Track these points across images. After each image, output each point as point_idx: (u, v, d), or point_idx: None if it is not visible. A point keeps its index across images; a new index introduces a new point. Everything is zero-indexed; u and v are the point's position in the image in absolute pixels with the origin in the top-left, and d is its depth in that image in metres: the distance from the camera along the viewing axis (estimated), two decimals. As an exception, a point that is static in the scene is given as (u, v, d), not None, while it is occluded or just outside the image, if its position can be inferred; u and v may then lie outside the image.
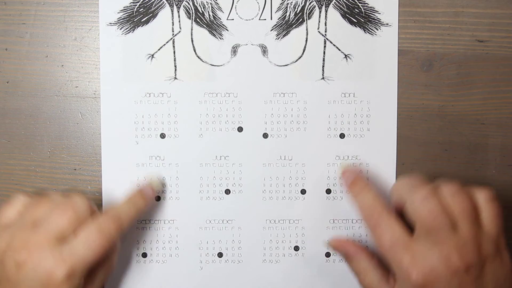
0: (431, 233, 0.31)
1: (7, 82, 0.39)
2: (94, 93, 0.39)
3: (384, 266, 0.34)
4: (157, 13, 0.39)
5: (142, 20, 0.39)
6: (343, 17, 0.39)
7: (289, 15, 0.39)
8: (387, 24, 0.39)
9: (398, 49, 0.39)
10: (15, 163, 0.39)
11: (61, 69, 0.39)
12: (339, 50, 0.39)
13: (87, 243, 0.32)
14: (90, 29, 0.39)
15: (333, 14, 0.39)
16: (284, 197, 0.40)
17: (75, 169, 0.39)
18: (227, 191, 0.40)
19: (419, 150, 0.40)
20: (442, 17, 0.39)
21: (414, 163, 0.40)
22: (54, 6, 0.39)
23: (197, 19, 0.39)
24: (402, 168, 0.40)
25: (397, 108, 0.39)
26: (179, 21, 0.39)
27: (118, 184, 0.39)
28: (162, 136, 0.39)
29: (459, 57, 0.39)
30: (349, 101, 0.39)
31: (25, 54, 0.39)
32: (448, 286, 0.30)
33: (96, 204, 0.35)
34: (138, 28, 0.39)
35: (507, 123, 0.40)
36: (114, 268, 0.36)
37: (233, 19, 0.39)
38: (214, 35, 0.39)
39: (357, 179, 0.37)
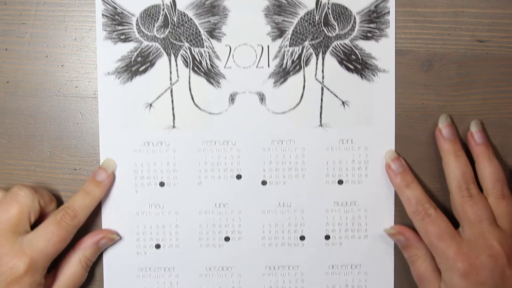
0: (474, 227, 0.35)
1: (7, 82, 0.39)
2: (94, 93, 0.39)
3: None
4: (155, 62, 0.39)
5: (140, 69, 0.39)
6: (340, 64, 0.39)
7: (286, 62, 0.39)
8: (384, 70, 0.39)
9: (398, 49, 0.39)
10: (15, 163, 0.39)
11: (61, 69, 0.39)
12: (337, 97, 0.39)
13: (45, 236, 0.33)
14: (90, 29, 0.39)
15: (330, 61, 0.39)
16: (283, 243, 0.40)
17: (75, 169, 0.40)
18: (227, 238, 0.40)
19: (419, 150, 0.40)
20: (442, 17, 0.39)
21: (414, 163, 0.40)
22: (54, 6, 0.39)
23: (195, 68, 0.39)
24: None
25: (397, 108, 0.39)
26: (177, 70, 0.39)
27: (118, 233, 0.39)
28: (162, 184, 0.39)
29: (459, 57, 0.39)
30: (347, 147, 0.40)
31: (25, 54, 0.39)
32: (491, 274, 0.33)
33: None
34: (136, 77, 0.39)
35: (507, 123, 0.40)
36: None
37: (230, 67, 0.39)
38: (212, 83, 0.39)
39: (406, 172, 0.38)
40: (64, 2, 0.39)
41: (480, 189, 0.37)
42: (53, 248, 0.34)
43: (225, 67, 0.39)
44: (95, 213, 0.39)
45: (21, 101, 0.39)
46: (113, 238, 0.38)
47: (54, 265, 0.37)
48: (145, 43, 0.39)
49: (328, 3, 0.39)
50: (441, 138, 0.38)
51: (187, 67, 0.39)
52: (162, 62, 0.39)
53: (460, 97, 0.40)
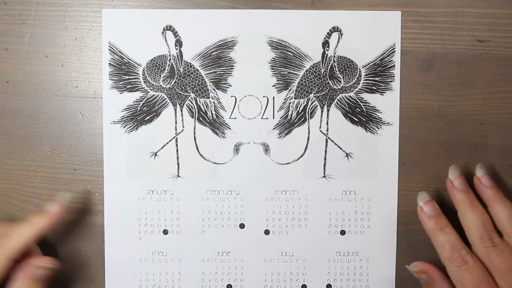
0: (506, 277, 0.34)
1: (7, 82, 0.39)
2: (94, 93, 0.39)
3: None
4: (160, 112, 0.39)
5: (145, 119, 0.39)
6: (345, 116, 0.39)
7: (291, 114, 0.39)
8: (388, 123, 0.39)
9: (400, 51, 0.39)
10: (15, 163, 0.40)
11: (61, 69, 0.39)
12: (341, 149, 0.39)
13: None
14: (90, 29, 0.39)
15: (335, 113, 0.39)
16: (285, 292, 0.40)
17: (75, 169, 0.40)
18: (229, 286, 0.40)
19: (419, 150, 0.40)
20: (442, 17, 0.39)
21: (414, 163, 0.40)
22: (54, 6, 0.39)
23: (200, 118, 0.39)
24: (402, 168, 0.40)
25: (398, 110, 0.39)
26: (182, 120, 0.39)
27: (121, 279, 0.40)
28: (165, 232, 0.40)
29: (459, 57, 0.39)
30: (350, 198, 0.40)
31: (25, 54, 0.39)
32: None
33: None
34: (142, 126, 0.39)
35: (507, 123, 0.40)
36: None
37: (235, 118, 0.39)
38: (216, 133, 0.39)
39: (440, 215, 0.37)
40: (64, 2, 0.39)
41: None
42: None
43: (230, 117, 0.39)
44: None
45: (21, 101, 0.39)
46: (48, 268, 0.36)
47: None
48: (151, 92, 0.39)
49: (334, 56, 0.39)
50: (454, 190, 0.37)
51: (193, 117, 0.39)
52: (168, 112, 0.39)
53: (460, 97, 0.40)
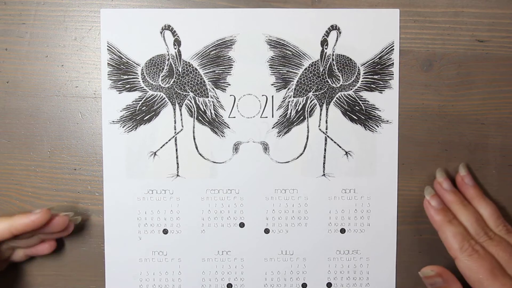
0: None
1: (7, 82, 0.39)
2: (94, 93, 0.39)
3: None
4: (160, 111, 0.39)
5: (144, 118, 0.39)
6: (344, 115, 0.39)
7: (290, 113, 0.39)
8: (387, 121, 0.39)
9: (399, 49, 0.39)
10: (15, 163, 0.40)
11: (61, 69, 0.39)
12: (340, 147, 0.39)
13: None
14: (90, 29, 0.39)
15: (334, 111, 0.39)
16: (285, 291, 0.40)
17: (75, 169, 0.40)
18: (229, 285, 0.40)
19: (419, 150, 0.40)
20: (442, 17, 0.39)
21: (414, 163, 0.40)
22: (54, 6, 0.39)
23: (199, 117, 0.39)
24: (402, 168, 0.40)
25: (398, 108, 0.40)
26: (181, 119, 0.39)
27: (121, 279, 0.40)
28: (165, 231, 0.40)
29: (459, 57, 0.39)
30: (349, 197, 0.40)
31: (25, 54, 0.39)
32: None
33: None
34: (141, 126, 0.39)
35: (507, 123, 0.40)
36: None
37: (234, 117, 0.39)
38: (216, 132, 0.39)
39: (446, 208, 0.38)
40: (64, 2, 0.39)
41: None
42: None
43: (229, 116, 0.39)
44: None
45: (21, 101, 0.39)
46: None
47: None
48: (150, 92, 0.39)
49: (333, 54, 0.39)
50: (444, 191, 0.38)
51: (192, 116, 0.39)
52: (167, 111, 0.39)
53: (460, 97, 0.40)
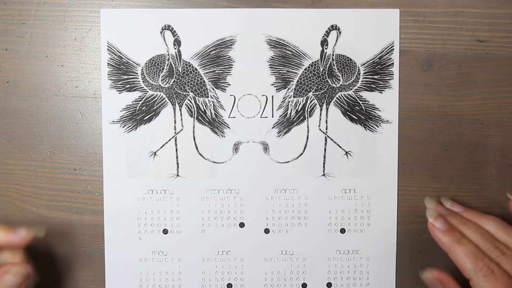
0: None
1: (7, 82, 0.39)
2: (94, 93, 0.39)
3: None
4: (160, 111, 0.39)
5: (144, 118, 0.39)
6: (344, 115, 0.39)
7: (290, 113, 0.39)
8: (387, 121, 0.39)
9: (399, 49, 0.39)
10: (15, 163, 0.40)
11: (61, 69, 0.39)
12: (340, 147, 0.39)
13: None
14: (90, 29, 0.39)
15: (334, 111, 0.39)
16: (285, 291, 0.40)
17: (75, 169, 0.40)
18: (229, 285, 0.40)
19: (419, 150, 0.40)
20: (442, 17, 0.39)
21: (414, 163, 0.40)
22: (54, 6, 0.39)
23: (199, 117, 0.39)
24: (402, 168, 0.40)
25: (398, 108, 0.39)
26: (181, 119, 0.39)
27: (121, 279, 0.40)
28: (165, 231, 0.40)
29: (459, 57, 0.39)
30: (349, 197, 0.40)
31: (25, 54, 0.39)
32: None
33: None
34: (141, 126, 0.39)
35: (507, 123, 0.40)
36: None
37: (234, 117, 0.39)
38: (216, 132, 0.39)
39: (453, 228, 0.36)
40: (64, 2, 0.39)
41: None
42: None
43: (229, 116, 0.39)
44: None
45: (21, 101, 0.39)
46: (22, 273, 0.35)
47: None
48: (150, 92, 0.39)
49: (333, 54, 0.39)
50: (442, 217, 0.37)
51: (192, 116, 0.39)
52: (167, 111, 0.39)
53: (460, 97, 0.40)
